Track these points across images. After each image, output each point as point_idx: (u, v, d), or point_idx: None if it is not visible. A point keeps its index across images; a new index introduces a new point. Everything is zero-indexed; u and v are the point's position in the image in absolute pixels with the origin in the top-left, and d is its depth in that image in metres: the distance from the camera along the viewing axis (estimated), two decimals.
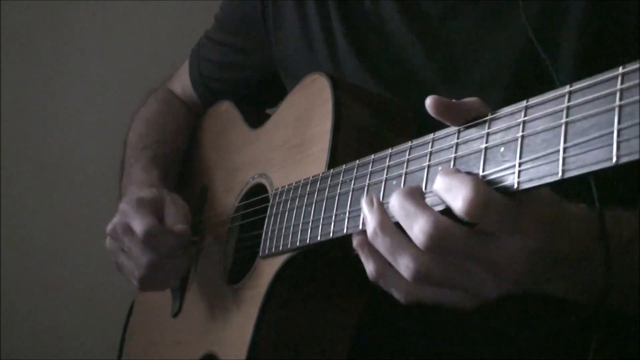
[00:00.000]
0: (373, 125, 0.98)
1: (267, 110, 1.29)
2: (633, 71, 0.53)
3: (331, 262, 0.94)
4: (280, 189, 1.00)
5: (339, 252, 0.85)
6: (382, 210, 0.70)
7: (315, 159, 0.95)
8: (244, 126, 1.23)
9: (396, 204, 0.66)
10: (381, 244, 0.68)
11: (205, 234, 1.22)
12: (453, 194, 0.62)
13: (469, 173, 0.64)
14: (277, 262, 0.95)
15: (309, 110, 1.02)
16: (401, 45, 1.04)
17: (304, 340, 0.95)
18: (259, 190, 1.10)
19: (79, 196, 1.82)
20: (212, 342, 1.07)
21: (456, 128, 0.68)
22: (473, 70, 0.99)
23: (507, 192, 0.62)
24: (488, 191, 0.61)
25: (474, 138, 0.66)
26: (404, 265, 0.66)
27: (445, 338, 0.97)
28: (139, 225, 1.07)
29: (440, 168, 0.68)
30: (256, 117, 1.23)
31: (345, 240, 0.79)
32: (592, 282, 0.72)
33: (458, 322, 0.94)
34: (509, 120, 0.63)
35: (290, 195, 0.96)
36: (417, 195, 0.67)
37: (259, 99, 1.37)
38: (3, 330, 1.73)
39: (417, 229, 0.63)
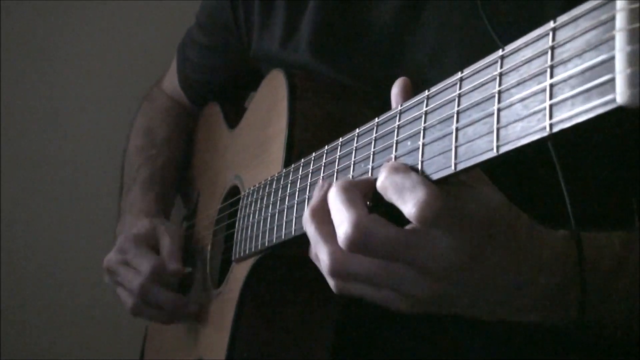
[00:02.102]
0: (335, 117, 0.96)
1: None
2: (512, 52, 0.51)
3: (301, 262, 0.93)
4: (248, 191, 0.99)
5: (306, 251, 0.84)
6: (320, 197, 0.67)
7: (274, 158, 0.94)
8: (225, 127, 1.23)
9: (330, 197, 0.64)
10: (308, 232, 0.67)
11: (198, 238, 1.23)
12: (404, 196, 0.58)
13: (413, 169, 0.61)
14: (248, 265, 0.95)
15: (270, 108, 1.01)
16: (382, 31, 1.00)
17: (281, 342, 0.95)
18: (236, 192, 1.10)
19: (79, 196, 1.84)
20: (201, 348, 1.08)
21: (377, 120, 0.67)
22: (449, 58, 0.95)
23: None
24: (440, 195, 0.56)
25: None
26: (321, 260, 0.65)
27: (425, 338, 0.95)
28: (144, 264, 1.11)
29: (387, 162, 0.65)
30: (235, 116, 1.22)
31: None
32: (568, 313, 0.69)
33: (441, 322, 0.92)
34: (415, 111, 0.61)
35: (254, 196, 0.95)
36: (348, 190, 0.63)
37: (246, 96, 1.37)
38: (3, 330, 1.77)
39: (340, 228, 0.61)
